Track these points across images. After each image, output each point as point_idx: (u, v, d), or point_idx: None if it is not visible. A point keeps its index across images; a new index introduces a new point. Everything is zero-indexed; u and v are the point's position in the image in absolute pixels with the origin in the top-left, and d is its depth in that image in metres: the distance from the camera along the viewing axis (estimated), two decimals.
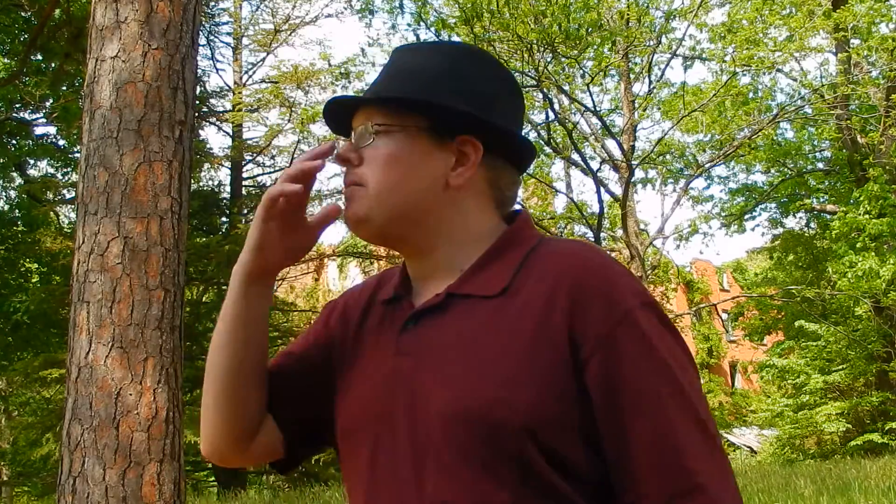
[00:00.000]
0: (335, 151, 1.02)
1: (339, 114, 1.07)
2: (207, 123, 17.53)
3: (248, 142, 17.72)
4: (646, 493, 0.88)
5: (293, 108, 16.69)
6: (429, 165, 1.01)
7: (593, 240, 15.93)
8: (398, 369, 0.97)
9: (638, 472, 0.88)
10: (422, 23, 14.34)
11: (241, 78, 18.16)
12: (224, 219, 16.68)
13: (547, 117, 16.29)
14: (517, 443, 0.88)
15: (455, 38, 14.32)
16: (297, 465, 1.15)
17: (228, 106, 17.44)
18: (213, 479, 16.60)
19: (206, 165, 16.61)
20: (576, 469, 0.90)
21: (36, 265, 16.57)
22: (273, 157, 18.05)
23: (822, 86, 17.77)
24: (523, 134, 1.09)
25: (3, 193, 17.72)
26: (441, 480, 0.90)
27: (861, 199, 18.06)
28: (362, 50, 29.55)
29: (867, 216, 17.69)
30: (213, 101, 17.61)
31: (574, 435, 0.90)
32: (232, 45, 18.42)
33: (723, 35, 15.74)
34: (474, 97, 1.02)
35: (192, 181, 10.98)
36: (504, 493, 0.88)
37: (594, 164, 16.66)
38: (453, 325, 0.96)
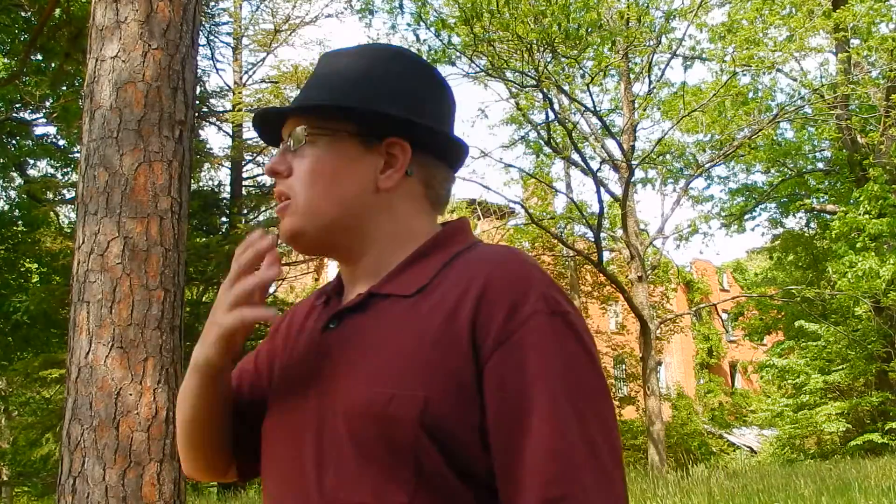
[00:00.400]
0: (268, 240, 0.98)
1: (270, 124, 1.08)
2: (207, 123, 17.55)
3: (248, 142, 17.72)
4: (516, 499, 0.86)
5: None
6: (356, 171, 1.00)
7: (593, 240, 15.94)
8: (316, 369, 0.98)
9: (514, 477, 0.86)
10: (422, 23, 14.35)
11: (241, 78, 18.18)
12: (224, 219, 16.69)
13: (547, 117, 16.30)
14: (413, 441, 0.87)
15: (455, 38, 14.33)
16: (256, 475, 1.15)
17: (228, 106, 17.45)
18: None
19: (206, 165, 16.64)
20: (476, 472, 0.89)
21: (36, 265, 16.58)
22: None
23: (822, 86, 17.78)
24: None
25: (3, 193, 17.74)
26: (340, 478, 0.90)
27: (861, 199, 18.08)
28: None
29: (867, 216, 17.71)
30: (213, 101, 17.63)
31: (475, 437, 0.89)
32: (232, 45, 18.44)
33: (723, 35, 15.75)
34: (399, 99, 1.02)
35: (192, 181, 10.98)
36: (401, 492, 0.87)
37: (594, 164, 16.67)
38: (369, 324, 0.96)
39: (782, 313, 22.87)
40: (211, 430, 1.06)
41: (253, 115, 1.09)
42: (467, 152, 1.10)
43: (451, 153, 1.07)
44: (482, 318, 0.90)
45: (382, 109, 1.00)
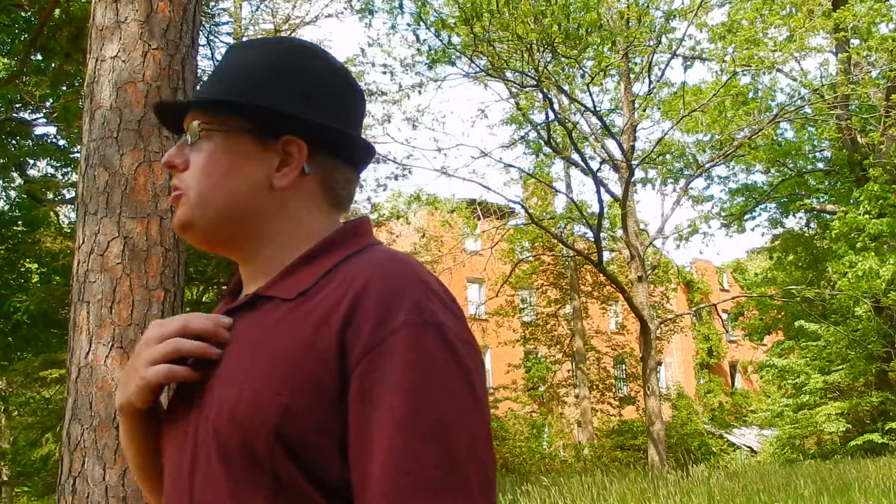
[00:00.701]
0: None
1: (174, 115, 1.06)
2: None
3: None
4: None
5: None
6: (250, 168, 0.99)
7: (593, 240, 15.94)
8: (202, 371, 0.96)
9: (364, 491, 0.83)
10: (421, 23, 14.35)
11: None
12: None
13: (547, 117, 16.30)
14: (271, 446, 0.85)
15: (455, 38, 14.33)
16: None
17: None
18: None
19: None
20: (334, 483, 0.86)
21: (36, 265, 16.56)
22: None
23: (822, 86, 17.79)
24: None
25: (3, 193, 17.73)
26: (205, 483, 0.89)
27: (861, 199, 18.09)
28: (362, 50, 29.49)
29: (867, 216, 17.72)
30: None
31: (334, 448, 0.86)
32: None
33: (723, 35, 15.76)
34: (298, 96, 0.99)
35: None
36: (259, 497, 0.86)
37: (594, 164, 16.68)
38: (251, 327, 0.95)
39: (782, 313, 22.89)
40: (156, 464, 1.04)
41: (154, 106, 1.06)
42: (373, 153, 1.07)
43: (354, 154, 1.04)
44: (353, 326, 0.86)
45: (278, 107, 0.98)
